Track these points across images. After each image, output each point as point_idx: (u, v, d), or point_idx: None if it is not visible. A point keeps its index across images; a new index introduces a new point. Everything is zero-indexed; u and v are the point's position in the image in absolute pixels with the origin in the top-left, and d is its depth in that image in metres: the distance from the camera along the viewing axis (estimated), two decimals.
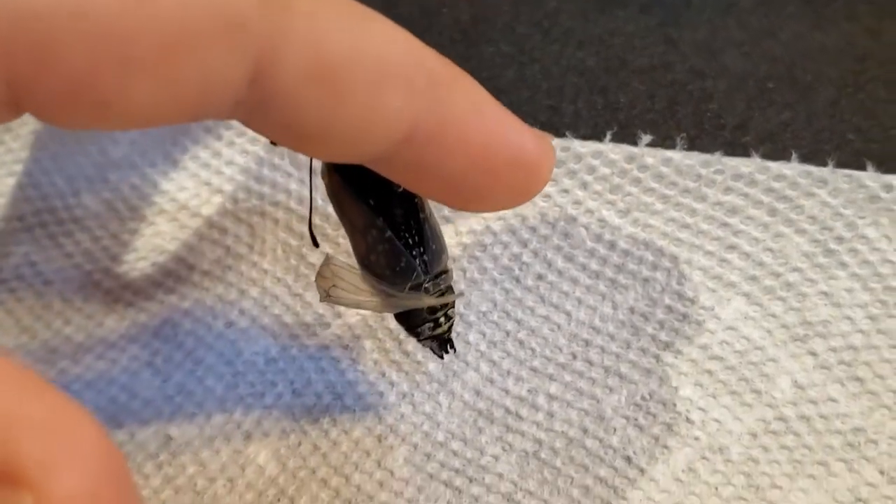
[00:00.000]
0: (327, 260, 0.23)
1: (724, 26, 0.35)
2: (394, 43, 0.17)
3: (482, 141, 0.18)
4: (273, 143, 0.20)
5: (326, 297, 0.23)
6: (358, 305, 0.23)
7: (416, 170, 0.18)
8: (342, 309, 0.26)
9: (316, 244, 0.24)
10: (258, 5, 0.16)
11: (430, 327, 0.23)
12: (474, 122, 0.18)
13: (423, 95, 0.17)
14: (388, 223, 0.22)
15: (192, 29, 0.15)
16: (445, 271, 0.23)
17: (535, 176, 0.19)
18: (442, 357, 0.24)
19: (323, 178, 0.23)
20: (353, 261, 0.23)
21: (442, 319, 0.23)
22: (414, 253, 0.22)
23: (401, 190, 0.22)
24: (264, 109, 0.17)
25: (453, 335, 0.23)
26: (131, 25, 0.15)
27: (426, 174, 0.18)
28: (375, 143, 0.17)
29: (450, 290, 0.23)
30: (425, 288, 0.22)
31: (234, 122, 0.29)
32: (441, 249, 0.23)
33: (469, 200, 0.19)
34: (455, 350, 0.24)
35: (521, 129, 0.19)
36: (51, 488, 0.12)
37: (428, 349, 0.24)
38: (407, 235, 0.22)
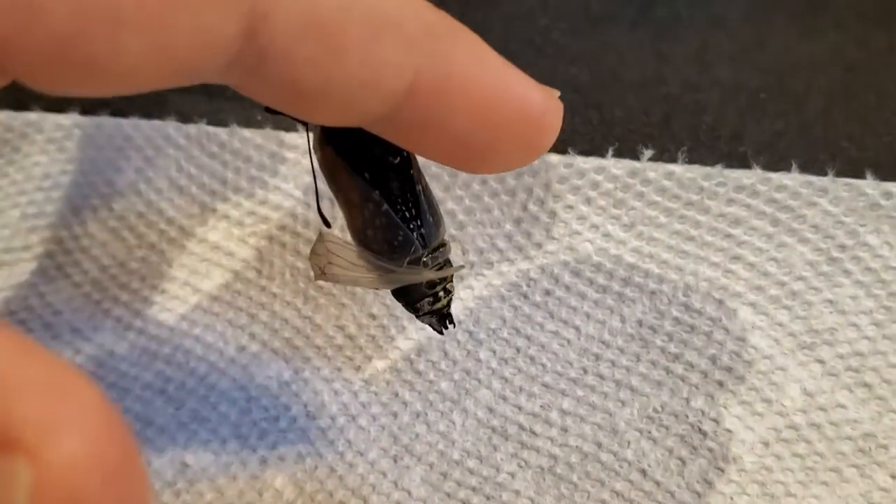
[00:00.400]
0: (321, 237, 0.22)
1: (714, 39, 0.35)
2: None
3: (486, 95, 0.17)
4: (269, 110, 0.19)
5: (321, 275, 0.22)
6: (355, 282, 0.23)
7: (419, 129, 0.18)
8: (353, 329, 0.26)
9: (327, 224, 0.24)
10: None
11: (430, 302, 0.23)
12: (477, 75, 0.17)
13: (423, 48, 0.17)
14: (384, 196, 0.21)
15: None
16: (443, 244, 0.22)
17: (541, 130, 0.18)
18: (441, 332, 0.23)
19: (316, 152, 0.22)
20: (347, 237, 0.22)
21: (441, 293, 0.23)
22: (411, 226, 0.22)
23: (396, 161, 0.21)
24: (259, 70, 0.16)
25: (453, 311, 0.23)
26: None
27: (430, 133, 0.18)
28: (375, 100, 0.17)
29: (448, 263, 0.22)
30: (424, 262, 0.22)
31: (238, 148, 0.29)
32: (438, 221, 0.22)
33: (475, 159, 0.19)
34: (454, 325, 0.23)
35: (526, 82, 0.18)
36: (49, 453, 0.11)
37: (427, 325, 0.23)
38: (404, 208, 0.22)
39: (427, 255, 0.22)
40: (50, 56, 0.14)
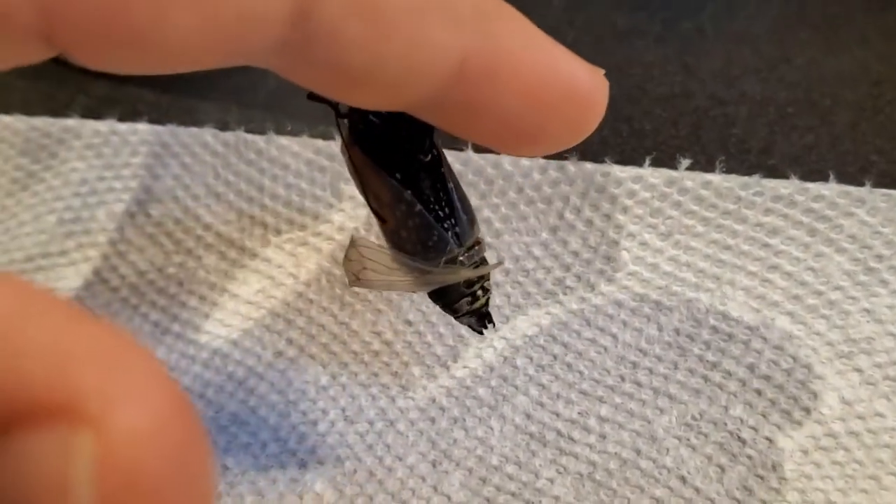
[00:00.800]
0: (353, 242, 0.22)
1: (740, 54, 0.35)
2: None
3: (535, 74, 0.17)
4: (312, 97, 0.19)
5: (356, 280, 0.22)
6: (390, 287, 0.22)
7: (466, 111, 0.17)
8: (389, 335, 0.26)
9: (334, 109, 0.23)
10: None
11: (468, 302, 0.22)
12: (526, 54, 0.17)
13: (471, 28, 0.16)
14: (416, 196, 0.21)
15: None
16: (478, 242, 0.22)
17: (589, 109, 0.18)
18: (482, 332, 0.23)
19: (343, 154, 0.22)
20: (380, 241, 0.22)
21: (479, 292, 0.22)
22: (445, 225, 0.21)
23: (427, 160, 0.21)
24: (306, 51, 0.16)
25: (491, 309, 0.23)
26: None
27: (478, 115, 0.17)
28: (423, 82, 0.16)
29: (484, 261, 0.22)
30: (460, 261, 0.21)
31: (275, 155, 0.29)
32: (472, 219, 0.22)
33: (523, 141, 0.18)
34: (494, 325, 0.23)
35: (573, 60, 0.18)
36: (114, 424, 0.10)
37: (466, 325, 0.23)
38: (437, 207, 0.21)
39: (463, 254, 0.22)
40: (94, 27, 0.14)
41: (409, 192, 0.21)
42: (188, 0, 0.14)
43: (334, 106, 0.21)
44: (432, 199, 0.21)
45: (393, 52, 0.16)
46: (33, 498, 0.10)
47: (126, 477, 0.10)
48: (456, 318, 0.23)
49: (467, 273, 0.22)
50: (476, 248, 0.22)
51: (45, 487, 0.10)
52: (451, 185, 0.22)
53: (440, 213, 0.21)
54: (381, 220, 0.22)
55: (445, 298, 0.22)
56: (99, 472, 0.10)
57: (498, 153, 0.19)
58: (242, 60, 0.16)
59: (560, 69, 0.17)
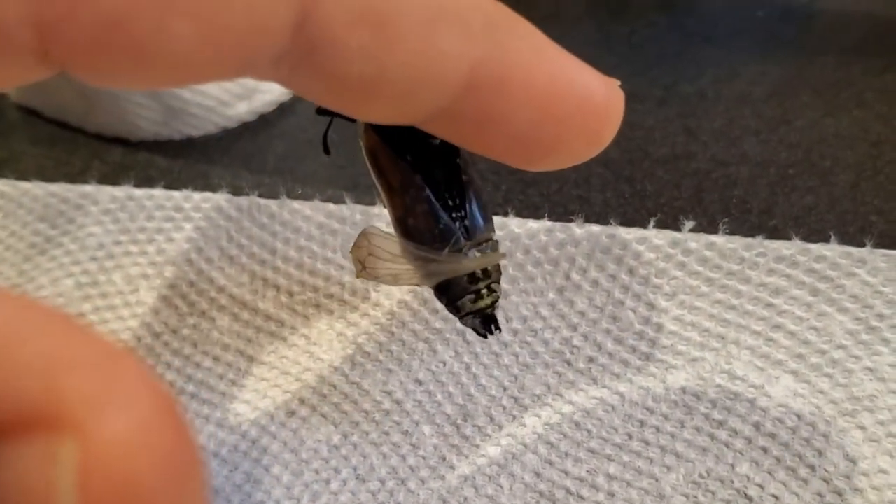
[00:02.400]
0: (364, 231, 0.22)
1: (741, 116, 0.36)
2: None
3: (548, 86, 0.17)
4: (320, 111, 0.19)
5: (362, 269, 0.22)
6: (396, 279, 0.22)
7: (477, 125, 0.17)
8: (400, 395, 0.27)
9: (327, 151, 0.23)
10: None
11: (472, 299, 0.22)
12: (538, 65, 0.16)
13: (481, 39, 0.16)
14: (427, 182, 0.21)
15: None
16: (489, 240, 0.22)
17: (605, 120, 0.18)
18: (486, 337, 0.23)
19: (360, 138, 0.21)
20: (390, 230, 0.22)
21: (484, 291, 0.22)
22: (454, 215, 0.21)
23: (439, 144, 0.21)
24: (310, 62, 0.15)
25: (498, 315, 0.22)
26: None
27: (489, 128, 0.17)
28: (431, 94, 0.16)
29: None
30: (466, 254, 0.21)
31: (287, 219, 0.30)
32: (486, 216, 0.22)
33: (537, 154, 0.18)
34: (500, 330, 0.22)
35: (587, 71, 0.17)
36: (98, 430, 0.10)
37: (471, 328, 0.23)
38: (447, 196, 0.21)
39: (470, 249, 0.21)
40: (96, 41, 0.14)
41: (419, 176, 0.21)
42: (189, 11, 0.14)
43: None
44: (444, 187, 0.21)
45: (399, 63, 0.15)
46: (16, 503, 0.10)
47: (110, 484, 0.10)
48: (460, 318, 0.22)
49: (471, 263, 0.21)
50: (486, 244, 0.22)
51: (29, 496, 0.10)
52: (465, 177, 0.21)
53: (450, 201, 0.21)
54: (392, 206, 0.22)
55: (449, 294, 0.22)
56: (82, 479, 0.10)
57: (513, 167, 0.19)
58: (248, 72, 0.16)
59: (573, 79, 0.17)
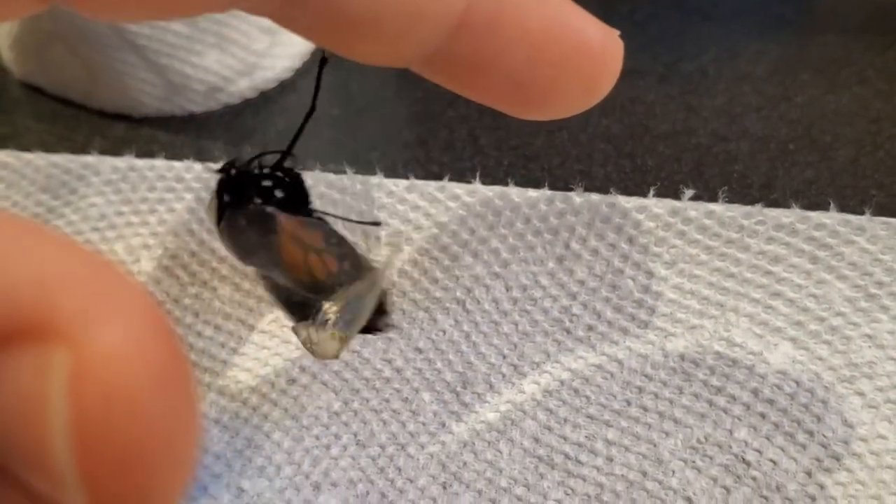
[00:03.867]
0: (294, 330, 0.23)
1: (741, 93, 0.36)
2: None
3: (543, 27, 0.16)
4: (324, 61, 0.19)
5: (319, 356, 0.23)
6: (343, 343, 0.23)
7: (471, 66, 0.17)
8: (400, 362, 0.27)
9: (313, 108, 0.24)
10: None
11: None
12: (533, 5, 0.16)
13: None
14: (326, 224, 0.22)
15: None
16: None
17: (601, 67, 0.17)
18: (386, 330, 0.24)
19: (231, 236, 0.23)
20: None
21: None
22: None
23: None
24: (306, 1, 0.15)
25: None
26: None
27: (483, 70, 0.17)
28: (426, 30, 0.16)
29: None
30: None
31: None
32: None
33: (533, 99, 0.17)
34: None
35: (585, 18, 0.17)
36: (90, 341, 0.10)
37: (377, 330, 0.24)
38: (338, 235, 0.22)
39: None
40: None
41: (325, 222, 0.22)
42: None
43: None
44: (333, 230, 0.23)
45: None
46: (11, 412, 0.10)
47: (102, 393, 0.10)
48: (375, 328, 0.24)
49: (384, 268, 0.23)
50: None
51: (21, 402, 0.10)
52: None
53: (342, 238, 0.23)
54: (321, 267, 0.22)
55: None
56: (74, 386, 0.10)
57: (512, 115, 0.18)
58: (242, 5, 0.15)
59: (570, 24, 0.17)
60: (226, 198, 0.23)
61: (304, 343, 0.23)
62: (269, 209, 0.23)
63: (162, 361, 0.11)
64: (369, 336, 0.27)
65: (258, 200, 0.23)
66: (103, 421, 0.10)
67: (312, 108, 0.24)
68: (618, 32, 0.18)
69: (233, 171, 0.24)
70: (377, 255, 0.25)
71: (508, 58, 0.17)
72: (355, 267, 0.23)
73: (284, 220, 0.22)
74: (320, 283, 0.23)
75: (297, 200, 0.23)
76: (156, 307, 0.11)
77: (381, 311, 0.23)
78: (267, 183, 0.23)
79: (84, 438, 0.10)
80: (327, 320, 0.22)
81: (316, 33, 0.16)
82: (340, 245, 0.23)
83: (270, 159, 0.24)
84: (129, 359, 0.10)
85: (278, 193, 0.23)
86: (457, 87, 0.18)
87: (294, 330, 0.23)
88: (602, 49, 0.17)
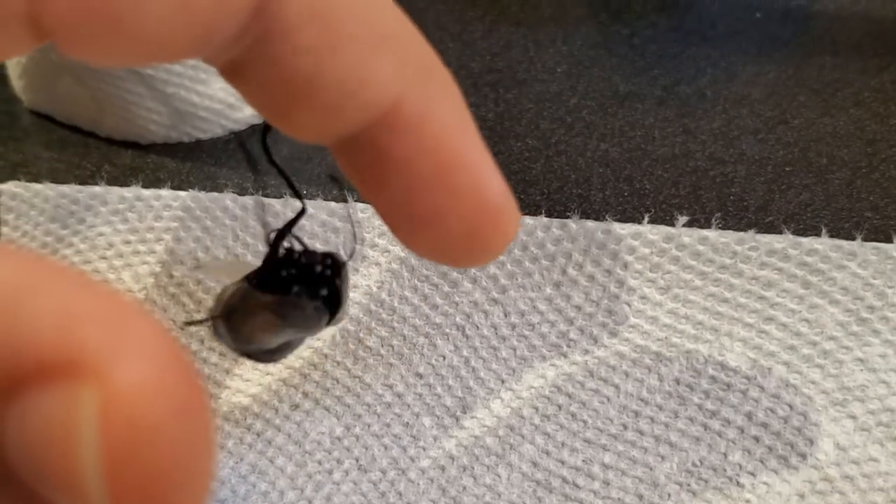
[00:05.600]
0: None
1: (739, 116, 0.37)
2: (399, 21, 0.17)
3: (454, 153, 0.17)
4: (265, 132, 0.20)
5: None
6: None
7: (382, 160, 0.17)
8: (401, 388, 0.27)
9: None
10: None
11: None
12: (453, 131, 0.17)
13: (414, 77, 0.17)
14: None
15: None
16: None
17: (495, 224, 0.18)
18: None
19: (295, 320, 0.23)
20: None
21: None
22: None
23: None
24: (261, 48, 0.16)
25: None
26: None
27: (391, 169, 0.17)
28: (356, 111, 0.16)
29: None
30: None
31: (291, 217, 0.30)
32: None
33: (421, 226, 0.18)
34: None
35: (494, 173, 0.17)
36: (118, 376, 0.10)
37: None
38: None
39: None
40: (78, 12, 0.14)
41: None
42: None
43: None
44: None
45: (338, 70, 0.16)
46: (43, 451, 0.11)
47: (129, 425, 0.11)
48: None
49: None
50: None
51: (52, 440, 0.11)
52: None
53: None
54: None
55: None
56: (103, 421, 0.10)
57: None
58: (209, 49, 0.16)
59: (478, 167, 0.17)
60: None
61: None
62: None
63: (183, 394, 0.11)
64: (370, 361, 0.28)
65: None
66: (131, 451, 0.11)
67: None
68: (516, 207, 0.18)
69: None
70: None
71: (415, 166, 0.17)
72: None
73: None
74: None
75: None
76: (174, 342, 0.11)
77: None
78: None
79: (114, 467, 0.11)
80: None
81: (259, 95, 0.17)
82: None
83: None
84: (154, 393, 0.11)
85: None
86: (358, 180, 0.18)
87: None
88: (500, 205, 0.17)
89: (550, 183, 0.34)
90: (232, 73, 0.17)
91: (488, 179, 0.17)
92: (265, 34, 0.16)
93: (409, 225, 0.18)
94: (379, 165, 0.17)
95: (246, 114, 0.37)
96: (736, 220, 0.32)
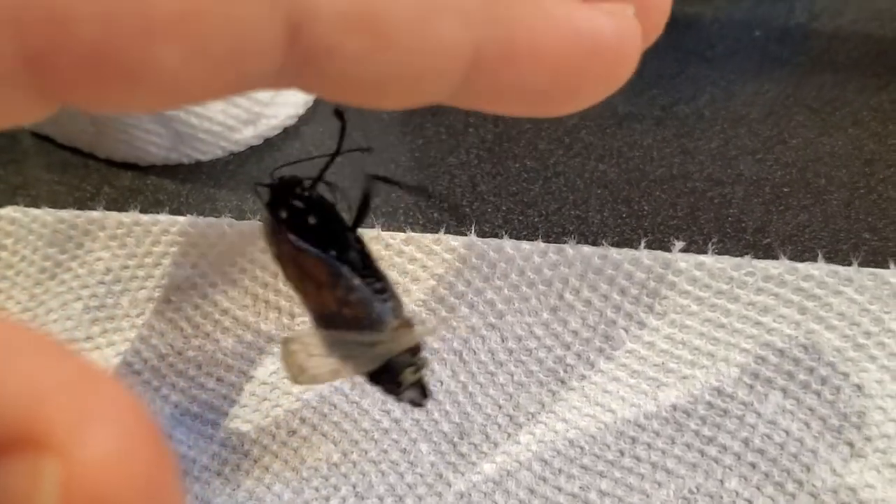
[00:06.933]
0: (287, 337, 0.22)
1: (737, 136, 0.37)
2: None
3: (556, 47, 0.16)
4: (338, 113, 0.20)
5: (302, 373, 0.22)
6: (336, 374, 0.22)
7: (495, 94, 0.17)
8: (398, 413, 0.27)
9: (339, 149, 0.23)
10: None
11: (412, 371, 0.22)
12: (543, 28, 0.16)
13: (479, 19, 0.16)
14: (353, 271, 0.21)
15: None
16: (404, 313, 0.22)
17: (620, 59, 0.17)
18: (423, 405, 0.23)
19: (271, 245, 0.22)
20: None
21: (419, 360, 0.22)
22: (383, 297, 0.22)
23: (355, 236, 0.22)
24: (311, 69, 0.15)
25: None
26: None
27: (507, 95, 0.17)
28: (438, 80, 0.16)
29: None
30: (406, 330, 0.22)
31: None
32: (397, 292, 0.22)
33: (558, 106, 0.17)
34: (430, 395, 0.23)
35: (593, 14, 0.17)
36: (79, 451, 0.11)
37: (408, 401, 0.23)
38: (372, 281, 0.22)
39: (400, 325, 0.22)
40: (85, 68, 0.14)
41: (346, 267, 0.22)
42: (173, 32, 0.14)
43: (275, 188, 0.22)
44: (367, 275, 0.22)
45: (400, 60, 0.15)
46: None
47: (89, 499, 0.11)
48: (398, 394, 0.23)
49: (414, 336, 0.22)
50: (407, 317, 0.22)
51: None
52: (373, 258, 0.22)
53: (376, 286, 0.22)
54: (320, 303, 0.22)
55: (391, 371, 0.22)
56: (64, 496, 0.11)
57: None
58: (249, 87, 0.16)
59: (581, 31, 0.16)
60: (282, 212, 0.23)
61: (287, 360, 0.23)
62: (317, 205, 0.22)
63: (147, 468, 0.11)
64: (368, 387, 0.28)
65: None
66: None
67: (337, 151, 0.24)
68: (631, 9, 0.17)
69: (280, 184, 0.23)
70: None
71: (528, 81, 0.17)
72: (368, 320, 0.22)
73: (291, 243, 0.22)
74: (316, 313, 0.23)
75: (330, 227, 0.23)
76: (143, 412, 0.12)
77: (417, 383, 0.23)
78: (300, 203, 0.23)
79: None
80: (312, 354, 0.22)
81: (335, 96, 0.17)
82: (349, 290, 0.22)
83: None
84: (116, 467, 0.11)
85: (311, 219, 0.23)
86: (482, 109, 0.18)
87: (284, 342, 0.23)
88: (618, 44, 0.17)
89: (549, 204, 0.34)
90: (299, 87, 0.16)
91: (595, 28, 0.16)
92: (311, 56, 0.15)
93: (548, 111, 0.18)
94: (493, 96, 0.17)
95: (245, 135, 0.37)
96: (734, 241, 0.32)
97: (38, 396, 0.11)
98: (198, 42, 0.14)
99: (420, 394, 0.23)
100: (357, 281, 0.21)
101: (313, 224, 0.21)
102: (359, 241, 0.22)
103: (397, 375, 0.22)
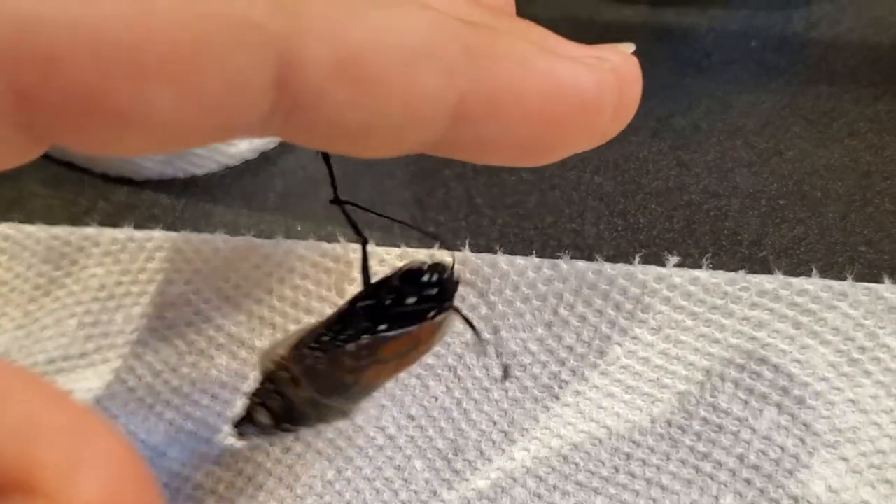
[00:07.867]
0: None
1: (733, 148, 0.37)
2: (421, 21, 0.16)
3: (539, 97, 0.16)
4: (325, 159, 0.20)
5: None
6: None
7: (479, 144, 0.17)
8: (392, 430, 0.27)
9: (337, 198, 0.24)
10: (269, 4, 0.15)
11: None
12: (525, 79, 0.16)
13: (462, 71, 0.16)
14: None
15: (203, 31, 0.14)
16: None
17: (598, 112, 0.17)
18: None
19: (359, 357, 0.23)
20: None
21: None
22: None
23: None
24: (298, 116, 0.16)
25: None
26: (135, 30, 0.14)
27: (489, 145, 0.17)
28: (422, 129, 0.16)
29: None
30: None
31: (282, 259, 0.30)
32: None
33: (540, 156, 0.18)
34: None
35: (573, 67, 0.17)
36: (69, 493, 0.11)
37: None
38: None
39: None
40: (76, 108, 0.14)
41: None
42: (165, 76, 0.14)
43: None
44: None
45: (384, 109, 0.16)
46: None
47: None
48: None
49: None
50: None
51: None
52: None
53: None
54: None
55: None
56: None
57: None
58: (237, 133, 0.16)
59: (562, 83, 0.17)
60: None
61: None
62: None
63: None
64: (363, 404, 0.28)
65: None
66: None
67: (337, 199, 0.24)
68: (610, 63, 0.18)
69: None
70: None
71: (510, 132, 0.17)
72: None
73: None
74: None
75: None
76: (134, 456, 0.12)
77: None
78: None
79: None
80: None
81: (320, 144, 0.17)
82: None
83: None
84: None
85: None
86: (463, 158, 0.18)
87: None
88: (597, 96, 0.17)
89: (544, 217, 0.34)
90: (284, 135, 0.17)
91: (577, 82, 0.17)
92: (299, 102, 0.15)
93: (530, 161, 0.18)
94: (475, 146, 0.17)
95: (241, 148, 0.37)
96: (730, 254, 0.32)
97: (31, 439, 0.11)
98: (189, 84, 0.14)
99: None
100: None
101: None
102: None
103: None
